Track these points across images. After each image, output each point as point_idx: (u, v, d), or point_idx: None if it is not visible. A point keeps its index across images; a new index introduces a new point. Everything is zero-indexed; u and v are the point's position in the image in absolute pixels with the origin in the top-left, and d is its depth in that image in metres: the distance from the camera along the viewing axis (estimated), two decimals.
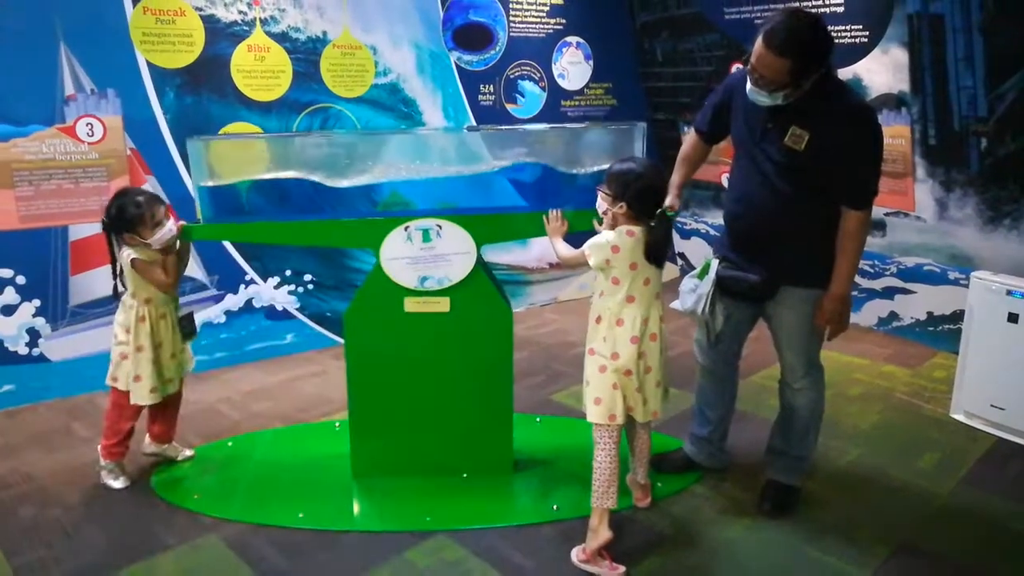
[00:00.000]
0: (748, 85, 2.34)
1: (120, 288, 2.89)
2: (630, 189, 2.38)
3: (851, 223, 2.42)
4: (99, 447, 3.00)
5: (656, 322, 2.47)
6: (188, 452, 3.17)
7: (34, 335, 3.79)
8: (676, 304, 2.73)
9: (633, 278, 2.42)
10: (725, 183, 5.46)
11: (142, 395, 2.88)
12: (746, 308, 2.70)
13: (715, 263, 2.64)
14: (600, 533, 2.43)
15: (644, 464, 2.76)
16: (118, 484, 2.97)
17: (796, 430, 2.77)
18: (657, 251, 2.42)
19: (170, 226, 2.81)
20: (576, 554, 2.48)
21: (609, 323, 2.45)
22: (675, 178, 2.86)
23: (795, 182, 2.42)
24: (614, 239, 2.40)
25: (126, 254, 2.79)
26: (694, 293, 2.68)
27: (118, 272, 2.87)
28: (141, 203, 2.77)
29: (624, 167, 2.43)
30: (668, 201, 2.56)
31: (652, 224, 2.41)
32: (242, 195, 2.91)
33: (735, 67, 2.43)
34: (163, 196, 3.99)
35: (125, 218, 2.77)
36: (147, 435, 3.14)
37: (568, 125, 4.62)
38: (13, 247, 3.67)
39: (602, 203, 2.47)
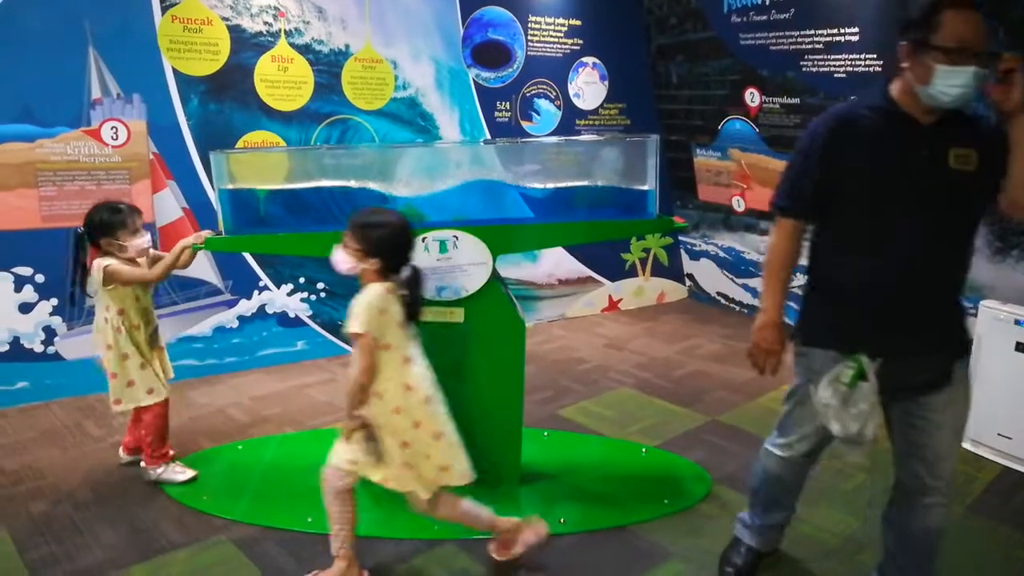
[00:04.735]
0: (951, 83, 1.80)
1: (78, 295, 2.93)
2: (381, 243, 2.22)
3: None
4: (143, 463, 3.03)
5: (429, 374, 2.33)
6: (190, 473, 3.05)
7: (50, 333, 3.84)
8: (835, 429, 2.02)
9: (404, 338, 2.26)
10: (736, 205, 5.52)
11: (138, 397, 2.93)
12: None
13: (865, 361, 1.97)
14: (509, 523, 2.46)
15: (480, 524, 2.49)
16: (186, 476, 3.02)
17: (929, 561, 2.19)
18: (417, 302, 2.29)
19: (147, 238, 2.92)
20: (495, 551, 2.50)
21: (398, 390, 2.24)
22: (777, 295, 2.14)
23: (971, 212, 1.95)
24: (379, 303, 2.20)
25: (98, 267, 2.83)
26: (851, 410, 1.99)
27: (79, 280, 2.90)
28: (122, 209, 2.88)
29: (372, 218, 2.26)
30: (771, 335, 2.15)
31: (409, 277, 2.27)
32: (263, 205, 2.95)
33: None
34: (183, 200, 4.08)
35: (107, 222, 2.84)
36: (121, 447, 3.21)
37: (583, 137, 4.67)
38: (34, 246, 3.73)
39: (347, 259, 2.25)
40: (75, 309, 3.86)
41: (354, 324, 2.17)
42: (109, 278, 2.84)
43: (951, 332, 2.03)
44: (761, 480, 2.41)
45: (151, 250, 2.97)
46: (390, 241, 2.24)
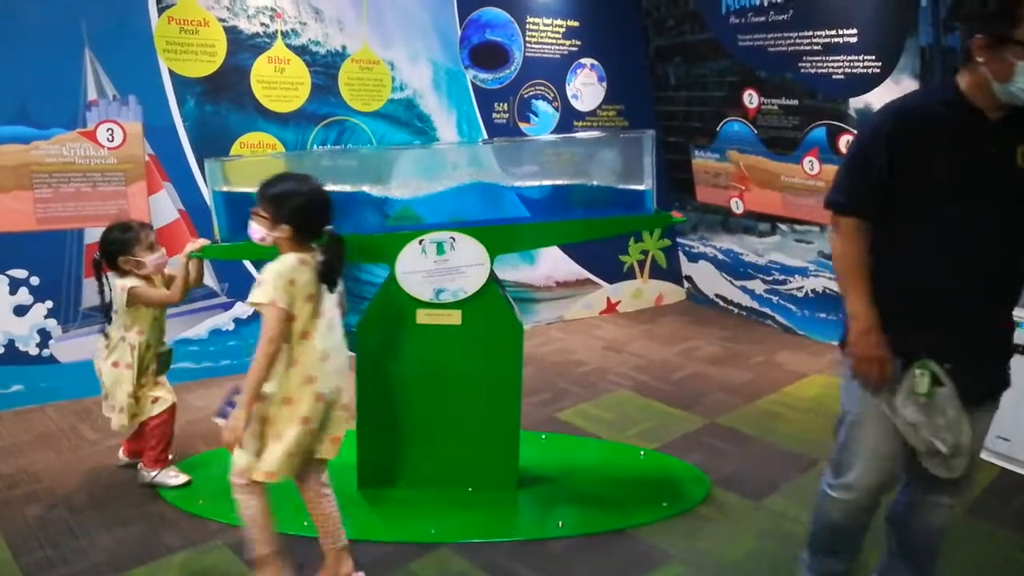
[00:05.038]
0: None
1: (107, 324, 2.92)
2: (290, 207, 2.14)
3: None
4: (141, 466, 3.01)
5: (343, 352, 2.26)
6: (184, 477, 3.03)
7: (45, 336, 3.82)
8: (937, 447, 1.86)
9: (310, 312, 2.17)
10: (734, 207, 5.51)
11: (146, 409, 2.95)
12: None
13: (936, 368, 1.84)
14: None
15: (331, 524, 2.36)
16: (180, 480, 3.00)
17: (932, 560, 2.17)
18: (332, 270, 2.19)
19: (163, 252, 2.93)
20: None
21: (280, 364, 2.15)
22: (865, 297, 1.92)
23: None
24: (288, 273, 2.12)
25: (122, 287, 2.84)
26: (938, 421, 1.84)
27: (107, 304, 2.90)
28: (132, 226, 2.90)
29: (280, 184, 2.19)
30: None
31: (322, 244, 2.19)
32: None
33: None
34: (179, 202, 4.06)
35: (120, 241, 2.85)
36: (121, 448, 3.20)
37: (580, 134, 4.66)
38: (29, 248, 3.71)
39: (259, 229, 2.19)
40: (71, 312, 3.85)
41: (259, 293, 2.10)
42: (133, 299, 2.85)
43: (1011, 336, 1.95)
44: (820, 526, 2.16)
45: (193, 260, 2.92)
46: (301, 207, 2.15)
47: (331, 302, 2.24)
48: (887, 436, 1.93)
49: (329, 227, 2.23)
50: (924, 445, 1.86)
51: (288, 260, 2.14)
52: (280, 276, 2.10)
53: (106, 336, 2.93)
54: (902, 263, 1.89)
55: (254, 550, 2.28)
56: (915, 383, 1.84)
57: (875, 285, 1.93)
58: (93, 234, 3.84)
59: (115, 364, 2.89)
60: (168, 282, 2.96)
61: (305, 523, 2.72)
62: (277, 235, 2.17)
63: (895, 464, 1.99)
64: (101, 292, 2.90)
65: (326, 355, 2.20)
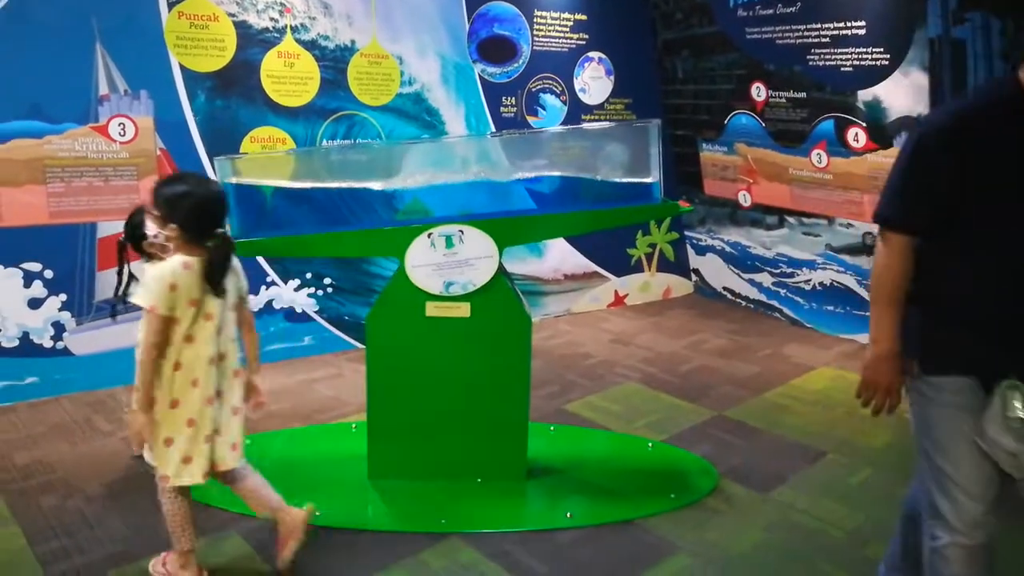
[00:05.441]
0: None
1: (120, 307, 2.95)
2: (180, 208, 2.15)
3: None
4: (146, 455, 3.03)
5: (233, 357, 2.29)
6: None
7: (59, 329, 3.86)
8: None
9: (194, 316, 2.18)
10: (742, 200, 5.51)
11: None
12: None
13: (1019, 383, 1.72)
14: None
15: (269, 508, 2.40)
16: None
17: None
18: (216, 273, 2.19)
19: None
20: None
21: (166, 367, 2.19)
22: (893, 323, 1.83)
23: None
24: (170, 278, 2.13)
25: (148, 271, 2.85)
26: None
27: (121, 292, 2.93)
28: None
29: (171, 184, 2.22)
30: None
31: (210, 246, 2.19)
32: (270, 208, 2.96)
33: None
34: None
35: (145, 223, 2.84)
36: None
37: (586, 126, 4.67)
38: (42, 242, 3.75)
39: (152, 226, 2.25)
40: (85, 305, 3.89)
41: (140, 296, 2.15)
42: None
43: None
44: None
45: None
46: (190, 208, 2.16)
47: (220, 306, 2.24)
48: (982, 460, 1.75)
49: (220, 230, 2.23)
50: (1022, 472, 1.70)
51: (170, 264, 2.16)
52: (161, 280, 2.12)
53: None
54: (964, 274, 1.76)
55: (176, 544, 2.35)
56: (1007, 407, 1.68)
57: (937, 299, 1.80)
58: (105, 228, 3.88)
59: None
60: None
61: (317, 512, 2.76)
62: (168, 234, 2.19)
63: (996, 487, 1.79)
64: (120, 274, 2.91)
65: (213, 359, 2.22)
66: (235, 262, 2.34)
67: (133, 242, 2.89)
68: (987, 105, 1.76)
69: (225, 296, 2.25)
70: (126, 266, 2.93)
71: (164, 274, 2.13)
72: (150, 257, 2.89)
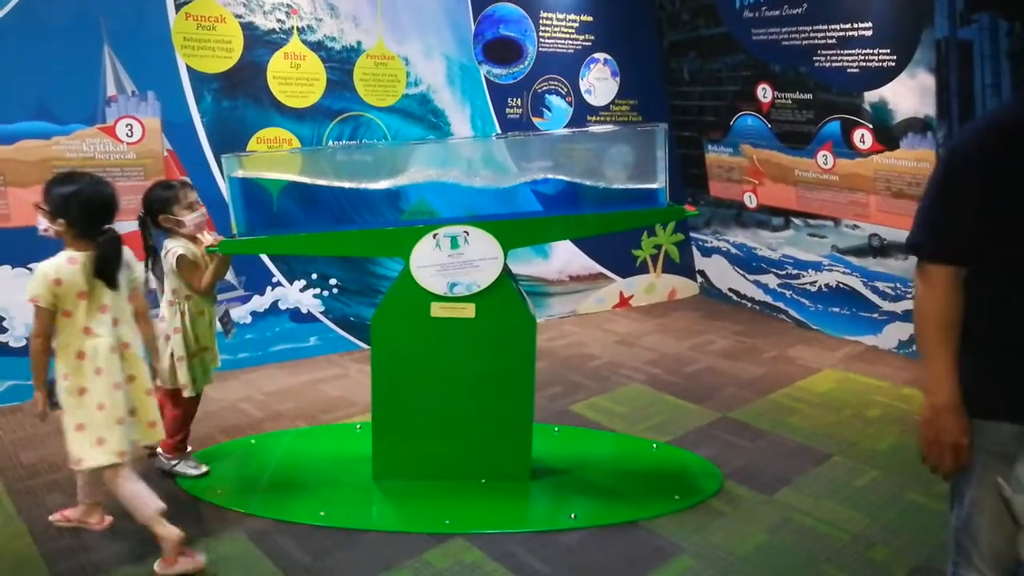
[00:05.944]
0: None
1: (152, 283, 2.95)
2: (70, 204, 2.25)
3: None
4: (160, 451, 3.04)
5: (133, 347, 2.38)
6: (203, 468, 3.07)
7: None
8: None
9: (87, 308, 2.30)
10: (748, 201, 5.50)
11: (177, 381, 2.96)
12: None
13: None
14: (169, 533, 2.40)
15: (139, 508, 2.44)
16: (199, 471, 3.04)
17: None
18: (106, 268, 2.29)
19: (202, 211, 2.94)
20: (159, 567, 2.42)
21: (70, 357, 2.30)
22: (949, 368, 1.61)
23: None
24: (53, 273, 2.25)
25: (172, 252, 2.87)
26: None
27: (150, 266, 2.92)
28: (174, 185, 2.95)
29: (61, 181, 2.30)
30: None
31: (99, 241, 2.29)
32: (276, 206, 2.97)
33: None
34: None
35: (161, 198, 2.89)
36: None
37: (592, 129, 4.67)
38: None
39: (42, 220, 2.33)
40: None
41: (28, 289, 2.27)
42: (179, 266, 2.88)
43: None
44: None
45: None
46: (79, 205, 2.25)
47: (114, 298, 2.36)
48: (1005, 520, 1.59)
49: (108, 226, 2.33)
50: None
51: (55, 260, 2.27)
52: (45, 275, 2.25)
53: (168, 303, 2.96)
54: (1014, 307, 1.57)
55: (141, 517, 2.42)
56: None
57: (984, 336, 1.61)
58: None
59: (175, 330, 2.91)
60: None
61: (322, 512, 2.77)
62: (56, 228, 2.29)
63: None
64: (147, 247, 2.91)
65: (114, 348, 2.34)
66: (127, 255, 2.44)
67: (151, 216, 2.91)
68: (1020, 118, 1.57)
69: (118, 289, 2.37)
70: (150, 241, 2.92)
71: (48, 270, 2.25)
72: (167, 231, 2.91)
